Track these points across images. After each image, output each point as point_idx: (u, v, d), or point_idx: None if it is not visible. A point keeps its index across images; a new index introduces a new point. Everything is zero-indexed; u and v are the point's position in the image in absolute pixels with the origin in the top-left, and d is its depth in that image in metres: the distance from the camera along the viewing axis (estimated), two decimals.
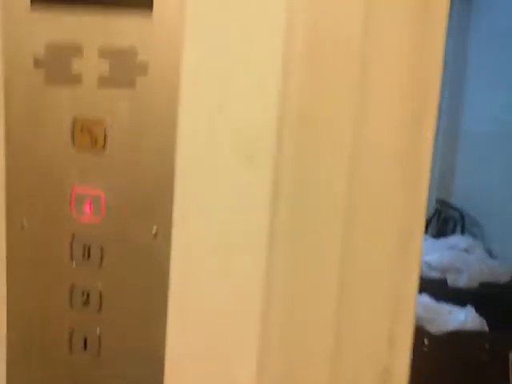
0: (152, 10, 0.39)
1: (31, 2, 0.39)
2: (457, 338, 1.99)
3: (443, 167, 3.27)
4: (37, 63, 0.40)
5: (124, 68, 0.40)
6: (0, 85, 0.41)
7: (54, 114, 0.41)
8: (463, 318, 1.98)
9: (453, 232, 3.21)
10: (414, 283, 0.47)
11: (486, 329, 2.05)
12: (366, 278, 0.48)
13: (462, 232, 3.13)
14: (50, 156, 0.42)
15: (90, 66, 0.40)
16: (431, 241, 2.80)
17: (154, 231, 0.43)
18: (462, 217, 3.15)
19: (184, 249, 0.44)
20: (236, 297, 0.45)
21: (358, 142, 0.45)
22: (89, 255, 0.44)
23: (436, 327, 1.99)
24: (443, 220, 3.33)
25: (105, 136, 0.41)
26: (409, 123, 0.45)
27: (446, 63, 0.45)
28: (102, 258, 0.44)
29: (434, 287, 2.20)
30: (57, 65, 0.40)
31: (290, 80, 0.41)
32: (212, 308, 0.45)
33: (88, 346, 0.45)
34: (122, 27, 0.39)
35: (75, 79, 0.40)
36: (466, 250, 2.75)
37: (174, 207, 0.43)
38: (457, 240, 2.88)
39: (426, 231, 3.05)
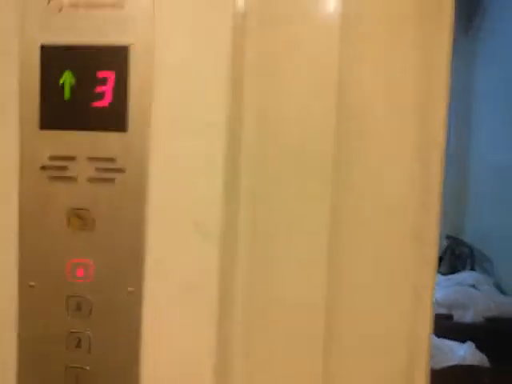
0: (127, 130, 0.54)
1: (40, 126, 0.54)
2: (457, 373, 2.05)
3: (453, 204, 3.35)
4: (42, 168, 0.55)
5: (106, 171, 0.55)
6: (16, 183, 0.56)
7: (55, 204, 0.56)
8: (462, 353, 2.06)
9: (464, 268, 3.26)
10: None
11: (487, 363, 2.12)
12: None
13: (473, 268, 3.19)
14: (52, 235, 0.56)
15: (82, 170, 0.55)
16: (440, 278, 2.86)
17: (129, 290, 0.57)
18: (472, 253, 3.21)
19: (152, 304, 0.58)
20: (192, 340, 0.58)
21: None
22: (80, 308, 0.58)
23: (437, 363, 2.06)
24: (455, 256, 3.39)
25: (93, 220, 0.56)
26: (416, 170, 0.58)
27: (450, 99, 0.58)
28: (90, 310, 0.58)
29: (440, 323, 2.27)
30: (57, 169, 0.55)
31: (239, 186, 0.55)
32: (174, 344, 0.58)
33: (79, 381, 0.59)
34: (104, 143, 0.54)
35: (70, 179, 0.55)
36: (474, 286, 2.81)
37: (145, 272, 0.57)
38: (465, 276, 2.94)
39: (439, 268, 3.12)
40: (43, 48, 0.54)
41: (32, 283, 0.57)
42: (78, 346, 0.58)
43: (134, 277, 0.57)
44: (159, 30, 0.53)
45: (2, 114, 0.56)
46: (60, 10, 0.53)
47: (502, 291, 2.83)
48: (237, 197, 0.60)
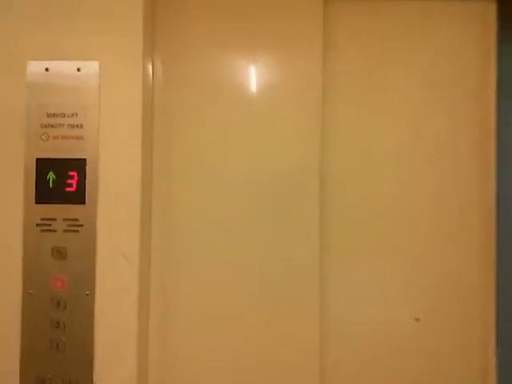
0: (85, 203, 0.99)
1: (35, 202, 0.99)
2: None
3: None
4: (37, 225, 1.00)
5: (73, 226, 1.00)
6: (21, 233, 1.00)
7: (44, 245, 1.00)
8: None
9: None
10: None
11: None
12: None
13: None
14: (43, 262, 1.01)
15: (60, 226, 1.00)
16: None
17: (87, 293, 1.02)
18: None
19: (100, 301, 1.02)
20: (122, 322, 1.02)
21: None
22: (59, 305, 1.02)
23: None
24: None
25: (66, 253, 1.00)
26: None
27: None
28: (65, 306, 1.02)
29: None
30: (46, 225, 1.00)
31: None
32: (112, 323, 1.02)
33: (59, 347, 1.02)
34: (72, 210, 0.99)
35: (53, 231, 1.00)
36: None
37: (96, 283, 1.01)
38: None
39: None
40: (38, 160, 0.99)
41: (31, 291, 1.01)
42: (58, 327, 1.02)
43: (89, 285, 1.01)
44: (101, 150, 0.99)
45: (13, 195, 1.01)
46: (47, 140, 0.99)
47: None
48: (148, 241, 1.06)
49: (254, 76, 1.11)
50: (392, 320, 1.13)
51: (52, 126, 0.99)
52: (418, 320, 1.13)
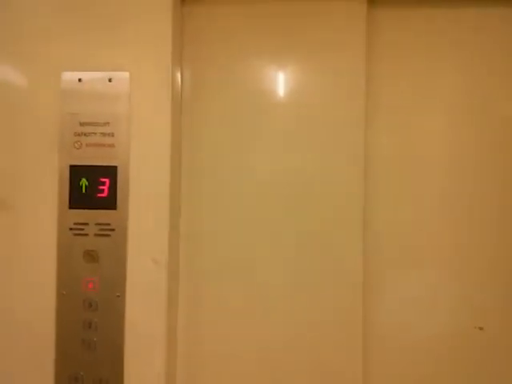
0: (116, 209, 1.03)
1: (69, 207, 1.03)
2: None
3: None
4: (70, 229, 1.04)
5: (105, 230, 1.04)
6: (55, 237, 1.04)
7: (77, 248, 1.04)
8: None
9: None
10: None
11: None
12: None
13: None
14: (75, 265, 1.05)
15: (92, 230, 1.04)
16: None
17: (117, 294, 1.05)
18: None
19: (129, 302, 1.06)
20: (150, 321, 1.06)
21: None
22: (91, 306, 1.06)
23: None
24: None
25: (98, 257, 1.04)
26: None
27: None
28: (97, 307, 1.06)
29: None
30: (78, 230, 1.04)
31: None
32: (141, 324, 1.06)
33: (90, 347, 1.06)
34: (104, 215, 1.03)
35: (86, 235, 1.04)
36: None
37: (126, 285, 1.05)
38: None
39: None
40: (71, 167, 1.03)
41: (64, 292, 1.05)
42: (90, 327, 1.06)
43: (120, 287, 1.05)
44: (132, 158, 1.03)
45: (48, 201, 1.05)
46: (80, 148, 1.03)
47: None
48: (176, 245, 1.09)
49: (289, 85, 1.13)
50: (451, 328, 1.14)
51: (85, 135, 1.03)
52: (481, 329, 1.13)
